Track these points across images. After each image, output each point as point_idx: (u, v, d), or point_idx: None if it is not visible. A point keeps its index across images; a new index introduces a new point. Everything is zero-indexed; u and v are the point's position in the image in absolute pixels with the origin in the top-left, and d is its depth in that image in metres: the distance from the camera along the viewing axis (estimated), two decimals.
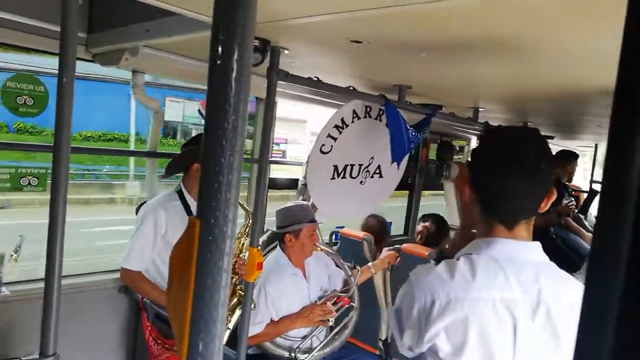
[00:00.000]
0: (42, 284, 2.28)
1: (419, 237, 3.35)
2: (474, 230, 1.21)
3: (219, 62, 0.50)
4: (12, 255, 1.77)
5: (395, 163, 2.61)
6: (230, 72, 0.49)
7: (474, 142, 4.93)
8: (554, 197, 1.08)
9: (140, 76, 2.52)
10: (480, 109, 3.10)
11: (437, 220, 3.37)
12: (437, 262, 1.15)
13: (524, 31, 1.38)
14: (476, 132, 3.99)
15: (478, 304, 1.02)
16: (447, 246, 3.40)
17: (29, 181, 2.24)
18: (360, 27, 1.47)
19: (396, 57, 1.83)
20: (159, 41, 1.89)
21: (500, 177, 1.06)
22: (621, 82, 0.30)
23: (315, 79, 2.10)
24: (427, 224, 3.35)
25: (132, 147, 12.98)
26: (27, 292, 2.23)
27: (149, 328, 2.39)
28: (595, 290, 0.30)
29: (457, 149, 4.93)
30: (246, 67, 0.51)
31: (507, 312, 1.02)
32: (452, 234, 3.46)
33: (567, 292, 1.05)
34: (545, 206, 1.09)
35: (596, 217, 0.31)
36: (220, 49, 0.50)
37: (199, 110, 3.39)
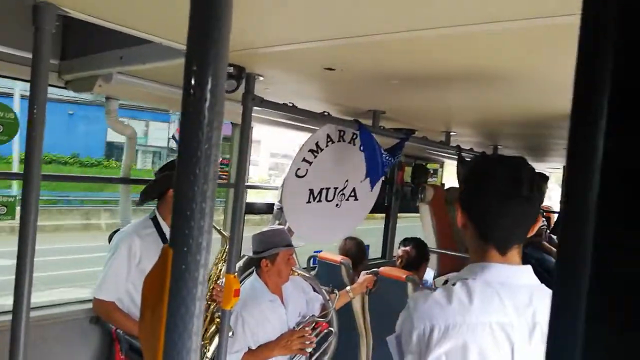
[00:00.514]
0: (7, 317, 2.20)
1: (400, 261, 3.35)
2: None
3: (192, 92, 0.51)
4: None
5: (370, 185, 2.65)
6: (203, 102, 0.50)
7: (448, 165, 5.03)
8: (540, 222, 1.13)
9: (113, 102, 2.50)
10: (452, 133, 3.18)
11: (418, 244, 3.38)
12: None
13: (491, 61, 1.44)
14: (449, 155, 4.08)
15: (476, 328, 1.04)
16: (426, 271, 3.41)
17: None
18: (333, 55, 1.51)
19: (369, 83, 1.87)
20: (133, 68, 1.89)
21: (495, 205, 1.10)
22: (575, 109, 0.32)
23: (291, 104, 2.13)
24: (407, 248, 3.34)
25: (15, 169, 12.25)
26: None
27: None
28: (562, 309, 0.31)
29: (431, 172, 5.02)
30: (219, 97, 0.51)
31: (504, 336, 1.04)
32: (432, 257, 3.49)
33: None
34: (532, 231, 1.13)
35: (557, 239, 0.32)
36: (193, 79, 0.51)
37: (173, 136, 3.36)
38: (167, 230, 2.49)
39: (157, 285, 0.49)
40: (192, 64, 0.52)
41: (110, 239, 2.55)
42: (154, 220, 2.49)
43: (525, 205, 1.09)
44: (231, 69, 1.77)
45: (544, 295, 1.10)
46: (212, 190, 0.50)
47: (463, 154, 3.36)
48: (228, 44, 0.53)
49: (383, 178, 2.88)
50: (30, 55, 1.28)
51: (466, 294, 1.07)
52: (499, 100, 2.03)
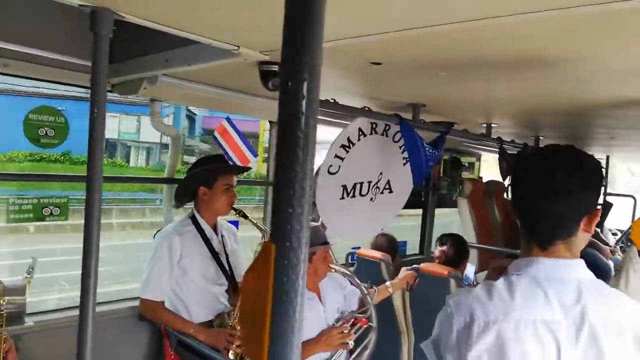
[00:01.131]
0: (65, 314, 2.29)
1: (437, 261, 3.31)
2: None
3: (288, 91, 0.52)
4: (25, 277, 1.78)
5: (411, 180, 2.61)
6: (300, 101, 0.51)
7: (485, 158, 4.95)
8: (597, 218, 1.08)
9: (157, 104, 2.55)
10: (493, 125, 3.12)
11: (456, 241, 3.32)
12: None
13: (540, 48, 1.41)
14: (487, 148, 4.01)
15: (518, 326, 1.01)
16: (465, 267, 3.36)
17: (51, 211, 2.25)
18: (381, 49, 1.50)
19: (414, 76, 1.86)
20: (179, 70, 1.92)
21: (529, 202, 1.11)
22: None
23: (332, 100, 2.13)
24: (444, 247, 3.28)
25: None
26: (52, 323, 2.22)
27: (173, 357, 2.37)
28: None
29: (466, 165, 4.95)
30: (315, 95, 0.52)
31: (549, 335, 1.00)
32: (472, 253, 3.42)
33: (614, 311, 1.03)
34: (588, 228, 1.09)
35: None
36: (290, 81, 0.52)
37: (213, 135, 3.41)
38: (205, 227, 2.53)
39: (260, 280, 0.50)
40: (287, 66, 0.53)
41: (154, 238, 2.62)
42: (193, 218, 2.54)
43: (563, 199, 1.06)
44: (275, 67, 1.78)
45: (596, 292, 1.05)
46: (311, 186, 0.51)
47: (504, 146, 3.30)
48: (322, 45, 0.54)
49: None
50: (85, 62, 1.33)
51: (508, 290, 1.05)
52: (542, 89, 1.98)
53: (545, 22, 1.18)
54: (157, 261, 2.39)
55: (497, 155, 3.48)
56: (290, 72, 0.52)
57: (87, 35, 1.31)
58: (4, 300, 1.65)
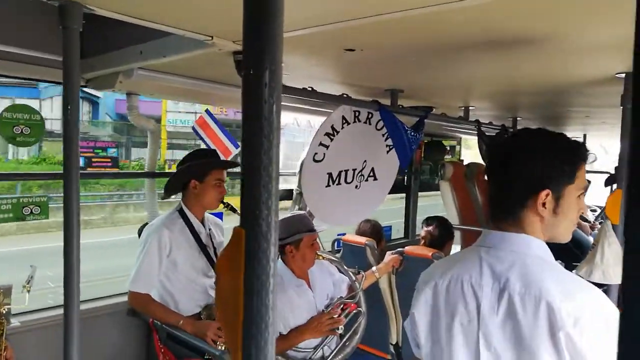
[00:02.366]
0: (50, 313, 2.28)
1: (423, 241, 3.36)
2: None
3: (251, 80, 0.52)
4: (24, 286, 1.77)
5: (397, 164, 2.64)
6: (263, 88, 0.52)
7: (466, 141, 5.00)
8: (544, 198, 1.07)
9: (134, 98, 2.53)
10: (470, 107, 3.16)
11: (441, 222, 3.37)
12: None
13: (516, 28, 1.43)
14: (467, 130, 4.05)
15: (450, 282, 1.13)
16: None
17: (31, 210, 2.23)
18: (354, 36, 1.51)
19: (388, 62, 1.87)
20: (153, 62, 1.90)
21: (489, 181, 1.19)
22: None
23: (310, 89, 2.13)
24: (430, 228, 3.33)
25: None
26: (37, 322, 2.22)
27: (162, 350, 2.37)
28: None
29: (448, 148, 5.00)
30: (278, 83, 0.53)
31: (472, 295, 1.09)
32: (456, 235, 3.48)
33: (537, 283, 1.02)
34: (537, 206, 1.08)
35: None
36: (251, 70, 0.53)
37: (193, 128, 3.38)
38: (194, 220, 2.53)
39: (232, 265, 0.52)
40: (249, 54, 0.54)
41: (139, 233, 2.61)
42: (181, 212, 2.54)
43: (506, 173, 1.12)
44: None
45: (535, 265, 1.06)
46: (277, 172, 0.53)
47: (483, 128, 3.34)
48: (282, 32, 0.55)
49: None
50: (55, 57, 1.31)
51: (454, 256, 1.22)
52: (518, 69, 2.01)
53: (519, 1, 1.20)
54: (146, 254, 2.38)
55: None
56: (252, 61, 0.53)
57: (58, 30, 1.30)
58: (4, 309, 1.62)
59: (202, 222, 2.59)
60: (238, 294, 0.51)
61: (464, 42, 1.57)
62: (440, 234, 3.28)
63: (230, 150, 3.10)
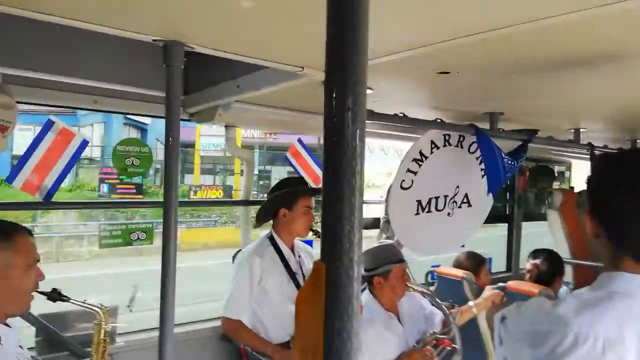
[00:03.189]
0: (152, 334, 2.40)
1: (528, 276, 3.07)
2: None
3: (334, 105, 0.50)
4: (128, 306, 1.89)
5: (489, 193, 2.47)
6: (346, 121, 0.49)
7: (576, 166, 4.57)
8: None
9: (232, 130, 2.66)
10: (581, 130, 2.87)
11: (550, 256, 3.07)
12: None
13: (634, 40, 1.26)
14: (578, 155, 3.69)
15: (578, 340, 0.93)
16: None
17: (138, 236, 2.40)
18: (447, 58, 1.44)
19: (485, 83, 1.76)
20: (249, 95, 1.98)
21: (628, 209, 0.97)
22: None
23: (401, 114, 2.08)
24: (537, 261, 3.04)
25: None
26: (140, 342, 2.35)
27: None
28: None
29: (556, 175, 4.60)
30: (361, 108, 0.50)
31: (613, 355, 0.91)
32: (567, 269, 3.14)
33: None
34: None
35: None
36: (334, 103, 0.51)
37: (285, 157, 3.48)
38: (283, 247, 2.56)
39: (311, 301, 0.48)
40: (332, 81, 0.51)
41: (234, 259, 2.69)
42: (271, 239, 2.58)
43: None
44: None
45: None
46: (360, 204, 0.48)
47: (596, 152, 3.01)
48: (366, 59, 0.52)
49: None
50: (161, 94, 1.41)
51: (596, 304, 0.96)
52: (636, 84, 1.79)
53: (628, 12, 1.06)
54: (238, 281, 2.45)
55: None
56: (335, 86, 0.50)
57: (162, 67, 1.39)
58: (108, 327, 1.72)
59: (292, 249, 2.61)
60: (318, 332, 0.46)
61: (572, 58, 1.43)
62: (549, 269, 2.98)
63: (321, 178, 3.11)
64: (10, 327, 1.39)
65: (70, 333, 2.19)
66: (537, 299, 1.11)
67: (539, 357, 0.99)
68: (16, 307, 1.43)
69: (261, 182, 22.55)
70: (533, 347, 1.01)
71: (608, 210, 1.01)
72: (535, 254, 3.08)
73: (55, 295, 1.59)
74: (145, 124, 19.68)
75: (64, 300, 1.61)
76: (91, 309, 1.68)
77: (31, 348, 1.58)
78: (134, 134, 20.34)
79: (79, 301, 1.65)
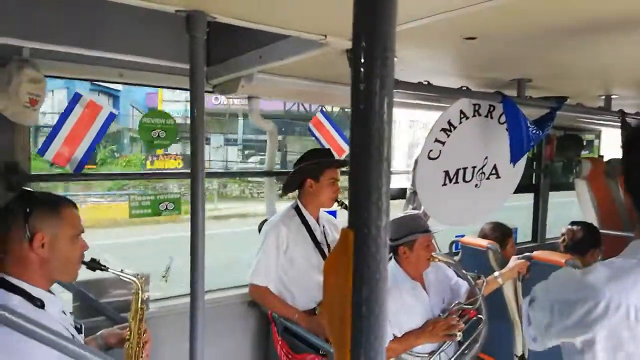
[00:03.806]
0: (183, 300, 2.49)
1: (562, 239, 3.03)
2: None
3: (361, 73, 0.49)
4: (163, 276, 1.97)
5: (511, 162, 2.42)
6: (375, 85, 0.49)
7: (605, 134, 4.43)
8: None
9: (255, 101, 2.66)
10: (613, 96, 2.77)
11: (588, 227, 3.02)
12: None
13: None
14: (608, 123, 3.58)
15: (609, 307, 0.94)
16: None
17: (167, 206, 2.46)
18: (475, 22, 1.40)
19: (514, 49, 1.70)
20: (272, 65, 1.97)
21: None
22: None
23: (426, 83, 2.04)
24: (574, 227, 3.00)
25: None
26: (172, 308, 2.45)
27: (280, 342, 2.47)
28: None
29: (585, 143, 4.48)
30: (389, 75, 0.49)
31: None
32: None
33: None
34: None
35: None
36: (362, 70, 0.50)
37: (308, 128, 3.47)
38: (309, 218, 2.60)
39: (340, 268, 0.49)
40: (359, 47, 0.51)
41: (259, 228, 2.74)
42: (297, 209, 2.62)
43: None
44: None
45: None
46: (388, 169, 0.48)
47: (628, 119, 2.91)
48: (394, 24, 0.51)
49: (529, 153, 2.63)
50: (185, 66, 1.41)
51: (608, 274, 0.97)
52: None
53: None
54: (265, 249, 2.51)
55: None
56: (362, 53, 0.50)
57: (185, 39, 1.40)
58: (144, 296, 1.78)
59: (317, 220, 2.64)
60: (346, 298, 0.47)
61: (603, 21, 1.37)
62: (585, 238, 2.93)
63: (344, 149, 3.11)
64: (54, 294, 1.46)
65: (106, 299, 2.29)
66: (566, 269, 1.11)
67: (568, 326, 0.99)
68: (66, 276, 1.52)
69: (246, 152, 22.34)
70: (562, 316, 1.01)
71: (634, 176, 1.01)
72: (573, 223, 3.04)
73: (94, 265, 1.65)
74: (117, 90, 18.56)
75: (102, 270, 1.68)
76: (128, 278, 1.74)
77: (70, 313, 1.66)
78: (104, 100, 19.61)
79: (116, 270, 1.72)
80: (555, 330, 1.03)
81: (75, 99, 2.13)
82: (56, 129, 2.11)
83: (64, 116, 2.12)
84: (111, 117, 2.19)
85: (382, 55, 0.50)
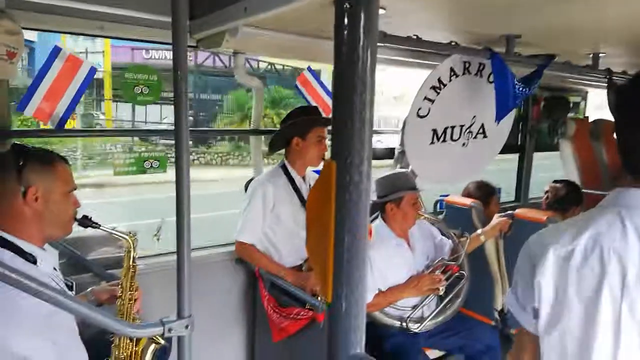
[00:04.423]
0: (171, 257, 2.51)
1: (545, 197, 3.09)
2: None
3: (345, 26, 0.48)
4: (155, 235, 1.97)
5: (496, 119, 2.43)
6: (359, 38, 0.48)
7: (592, 96, 4.45)
8: None
9: (240, 57, 2.60)
10: (600, 54, 2.76)
11: (571, 185, 3.08)
12: None
13: None
14: (595, 83, 3.58)
15: (586, 250, 0.98)
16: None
17: (151, 164, 2.44)
18: None
19: (505, 1, 1.67)
20: (258, 18, 1.91)
21: (626, 128, 1.02)
22: None
23: (415, 37, 2.00)
24: (557, 185, 3.06)
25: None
26: (159, 264, 2.47)
27: (267, 297, 2.52)
28: None
29: (571, 104, 4.49)
30: (373, 20, 0.48)
31: (616, 263, 0.94)
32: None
33: None
34: None
35: None
36: (346, 18, 0.49)
37: (295, 85, 3.40)
38: (295, 176, 2.60)
39: (322, 198, 0.49)
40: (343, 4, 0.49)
41: (246, 187, 2.74)
42: (284, 168, 2.62)
43: None
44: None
45: None
46: (371, 99, 0.48)
47: (614, 79, 2.91)
48: None
49: (513, 113, 2.63)
50: (166, 19, 1.36)
51: (584, 220, 1.01)
52: None
53: None
54: (251, 208, 2.52)
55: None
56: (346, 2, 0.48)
57: None
58: (136, 253, 1.79)
59: (304, 178, 2.65)
60: (329, 227, 0.48)
61: None
62: (568, 196, 2.99)
63: (331, 107, 3.08)
64: (45, 250, 1.46)
65: (92, 256, 2.30)
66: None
67: (539, 272, 1.03)
68: (60, 231, 1.51)
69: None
70: (534, 262, 1.04)
71: (620, 133, 1.03)
72: (556, 180, 3.10)
73: (86, 222, 1.64)
74: (32, 41, 16.82)
75: (94, 227, 1.66)
76: (120, 236, 1.74)
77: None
78: None
79: (108, 228, 1.71)
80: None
81: (54, 52, 2.06)
82: (35, 83, 2.04)
83: (44, 71, 2.05)
84: (92, 72, 2.13)
85: (366, 3, 0.49)
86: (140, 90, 2.30)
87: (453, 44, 2.20)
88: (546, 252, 1.02)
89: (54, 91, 2.05)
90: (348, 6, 0.50)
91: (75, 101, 2.07)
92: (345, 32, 0.49)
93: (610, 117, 3.44)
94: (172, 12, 1.34)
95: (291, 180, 2.60)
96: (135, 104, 2.40)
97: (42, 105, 2.02)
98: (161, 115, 18.41)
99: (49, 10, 1.86)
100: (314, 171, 2.82)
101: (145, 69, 2.34)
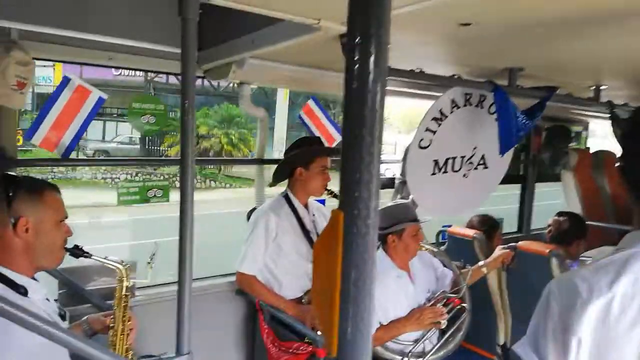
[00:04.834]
0: (170, 288, 2.48)
1: (548, 230, 3.07)
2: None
3: (356, 57, 0.49)
4: (148, 263, 1.95)
5: (500, 152, 2.44)
6: (368, 68, 0.48)
7: (592, 126, 4.47)
8: None
9: (245, 88, 2.63)
10: (602, 87, 2.79)
11: (575, 218, 3.06)
12: None
13: None
14: (595, 114, 3.61)
15: (625, 298, 0.89)
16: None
17: (155, 193, 2.45)
18: (471, 8, 1.39)
19: (508, 36, 1.70)
20: (265, 50, 1.95)
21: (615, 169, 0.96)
22: None
23: (418, 70, 2.03)
24: (560, 218, 3.04)
25: None
26: (159, 295, 2.44)
27: (266, 330, 2.47)
28: None
29: (573, 135, 4.51)
30: (383, 60, 0.49)
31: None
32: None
33: None
34: None
35: None
36: (356, 53, 0.50)
37: (299, 116, 3.44)
38: (298, 206, 2.59)
39: (329, 249, 0.49)
40: (353, 31, 0.50)
41: (248, 217, 2.73)
42: (287, 197, 2.61)
43: None
44: None
45: None
46: (379, 151, 0.48)
47: (616, 111, 2.93)
48: (389, 9, 0.51)
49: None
50: (176, 50, 1.39)
51: (615, 264, 0.92)
52: None
53: None
54: (254, 238, 2.50)
55: (605, 126, 3.11)
56: (357, 37, 0.49)
57: (177, 22, 1.37)
58: (129, 283, 1.75)
59: (307, 207, 2.64)
60: (334, 279, 0.48)
61: (598, 11, 1.37)
62: (571, 229, 2.97)
63: (334, 138, 3.10)
64: (37, 280, 1.44)
65: (92, 286, 2.28)
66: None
67: (578, 329, 0.92)
68: (50, 262, 1.48)
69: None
70: (566, 315, 0.94)
71: (632, 166, 1.00)
72: (559, 213, 3.07)
73: (77, 251, 1.62)
74: None
75: (85, 256, 1.64)
76: (113, 265, 1.72)
77: (54, 300, 1.64)
78: None
79: (100, 257, 1.69)
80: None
81: (64, 82, 2.10)
82: (43, 113, 2.07)
83: (52, 100, 2.08)
84: (100, 101, 2.16)
85: (376, 39, 0.49)
86: (147, 120, 2.33)
87: (456, 77, 2.23)
88: (584, 304, 0.91)
89: (61, 121, 2.07)
90: (359, 41, 0.50)
91: (82, 130, 2.09)
92: (356, 67, 0.50)
93: (610, 147, 3.46)
94: (182, 44, 1.38)
95: (294, 211, 2.59)
96: (143, 133, 2.41)
97: (49, 135, 2.04)
98: (116, 132, 18.04)
99: (60, 41, 1.90)
100: (317, 201, 2.82)
101: (152, 99, 2.38)
